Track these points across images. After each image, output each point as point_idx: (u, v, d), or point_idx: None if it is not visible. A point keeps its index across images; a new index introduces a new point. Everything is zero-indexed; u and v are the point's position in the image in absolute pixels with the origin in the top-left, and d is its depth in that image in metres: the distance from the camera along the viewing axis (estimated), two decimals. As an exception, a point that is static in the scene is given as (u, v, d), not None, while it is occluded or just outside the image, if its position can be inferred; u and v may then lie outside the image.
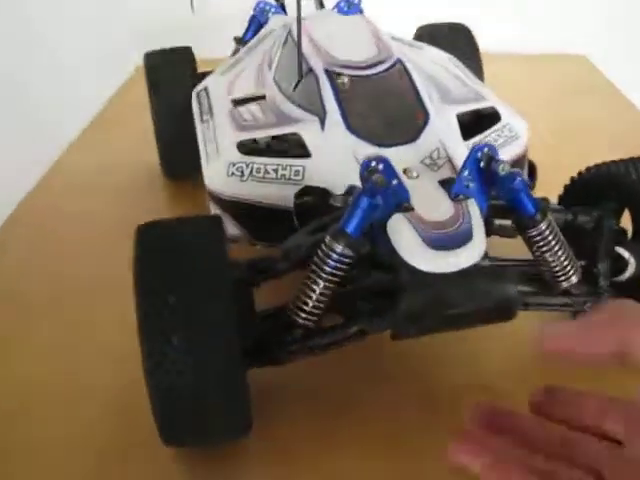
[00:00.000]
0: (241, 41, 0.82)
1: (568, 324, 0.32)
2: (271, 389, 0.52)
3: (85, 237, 0.74)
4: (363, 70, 0.58)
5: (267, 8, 0.81)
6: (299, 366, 0.48)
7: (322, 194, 0.53)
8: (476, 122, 0.60)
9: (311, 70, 0.59)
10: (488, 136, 0.58)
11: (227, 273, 0.43)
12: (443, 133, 0.55)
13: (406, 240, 0.45)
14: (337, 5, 0.72)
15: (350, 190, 0.51)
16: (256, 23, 0.81)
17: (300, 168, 0.54)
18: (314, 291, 0.45)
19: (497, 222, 0.51)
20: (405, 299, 0.45)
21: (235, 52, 0.81)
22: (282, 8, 0.82)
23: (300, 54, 0.59)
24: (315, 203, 0.53)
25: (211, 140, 0.61)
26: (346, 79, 0.57)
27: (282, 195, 0.54)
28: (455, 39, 0.81)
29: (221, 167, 0.57)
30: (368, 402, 0.53)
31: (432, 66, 0.66)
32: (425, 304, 0.45)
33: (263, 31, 0.76)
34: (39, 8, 1.24)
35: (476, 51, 0.81)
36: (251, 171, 0.55)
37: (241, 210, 0.56)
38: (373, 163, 0.45)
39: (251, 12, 0.82)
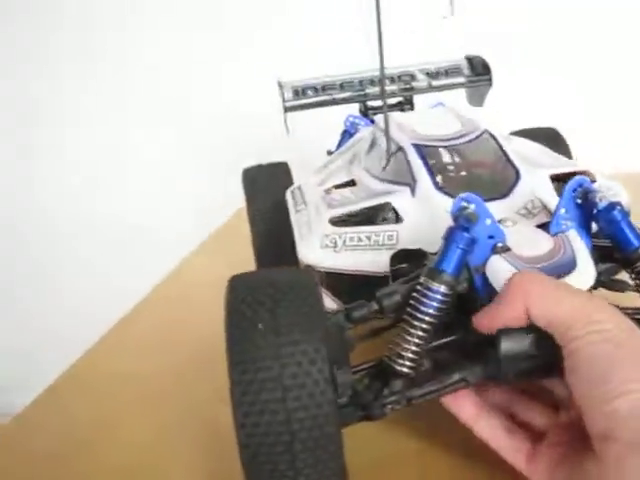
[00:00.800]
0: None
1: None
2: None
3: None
4: (450, 141, 0.59)
5: (357, 121, 0.85)
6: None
7: (418, 254, 0.52)
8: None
9: (400, 149, 0.61)
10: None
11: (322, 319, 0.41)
12: (536, 188, 0.54)
13: (506, 276, 0.43)
14: None
15: None
16: (347, 137, 0.85)
17: (394, 233, 0.54)
18: (414, 336, 0.44)
19: (602, 266, 0.48)
20: (505, 342, 0.42)
21: None
22: (371, 122, 0.86)
23: (387, 134, 0.61)
24: (411, 264, 0.52)
25: (304, 223, 0.62)
26: (435, 150, 0.58)
27: (377, 261, 0.53)
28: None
29: (314, 241, 0.57)
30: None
31: (522, 145, 0.66)
32: (526, 346, 0.42)
33: (354, 137, 0.80)
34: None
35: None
36: (344, 241, 0.56)
37: (336, 281, 0.56)
38: (464, 203, 0.45)
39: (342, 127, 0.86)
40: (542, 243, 0.46)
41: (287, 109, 0.86)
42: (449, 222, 0.46)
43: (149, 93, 1.50)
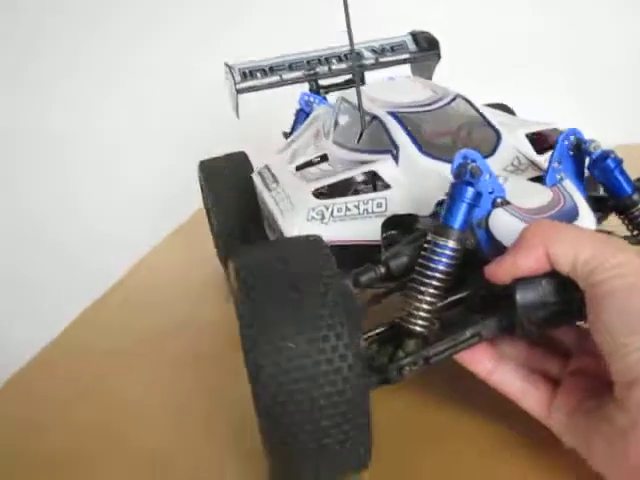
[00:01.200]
0: (289, 135, 0.85)
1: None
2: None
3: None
4: (425, 107, 0.59)
5: (312, 99, 0.84)
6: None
7: (408, 219, 0.52)
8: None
9: (374, 118, 0.60)
10: None
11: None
12: (518, 146, 0.55)
13: (510, 229, 0.43)
14: None
15: (438, 207, 0.50)
16: (302, 116, 0.84)
17: (382, 200, 0.54)
18: (425, 294, 0.43)
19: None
20: (522, 291, 0.43)
21: None
22: (324, 99, 0.85)
23: (360, 104, 0.60)
24: (402, 229, 0.52)
25: (283, 199, 0.61)
26: (411, 115, 0.58)
27: (368, 229, 0.53)
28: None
29: (299, 215, 0.56)
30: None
31: (492, 111, 0.67)
32: (541, 295, 0.43)
33: (311, 116, 0.79)
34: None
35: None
36: (332, 212, 0.55)
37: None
38: (464, 159, 0.45)
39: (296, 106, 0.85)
40: (541, 195, 0.46)
41: (239, 91, 0.85)
42: (438, 183, 0.47)
43: (108, 89, 1.44)
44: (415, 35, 0.93)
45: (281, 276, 0.40)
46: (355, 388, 0.38)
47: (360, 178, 0.59)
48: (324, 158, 0.66)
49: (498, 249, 0.44)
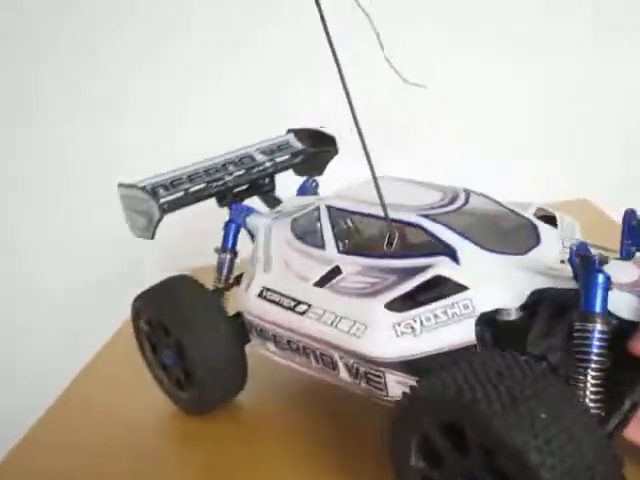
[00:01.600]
0: (224, 250, 0.82)
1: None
2: None
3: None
4: (451, 205, 0.63)
5: (243, 209, 0.83)
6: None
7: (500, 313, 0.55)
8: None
9: (402, 222, 0.62)
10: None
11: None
12: (551, 230, 0.61)
13: (630, 304, 0.49)
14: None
15: (531, 300, 0.53)
16: (234, 228, 0.82)
17: (467, 301, 0.55)
18: (593, 378, 0.47)
19: None
20: None
21: (221, 262, 0.81)
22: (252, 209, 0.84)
23: (385, 211, 0.61)
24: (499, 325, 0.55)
25: (339, 319, 0.59)
26: (443, 217, 0.61)
27: (462, 332, 0.54)
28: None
29: (383, 333, 0.55)
30: None
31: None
32: None
33: (261, 227, 0.77)
34: None
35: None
36: (421, 323, 0.55)
37: (419, 366, 0.55)
38: (575, 248, 0.50)
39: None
40: (628, 269, 0.53)
41: (165, 209, 0.79)
42: (510, 276, 0.51)
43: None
44: (296, 132, 0.95)
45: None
46: None
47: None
48: (336, 271, 0.65)
49: (622, 325, 0.49)
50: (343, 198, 0.70)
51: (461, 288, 0.56)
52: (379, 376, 0.57)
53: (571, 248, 0.50)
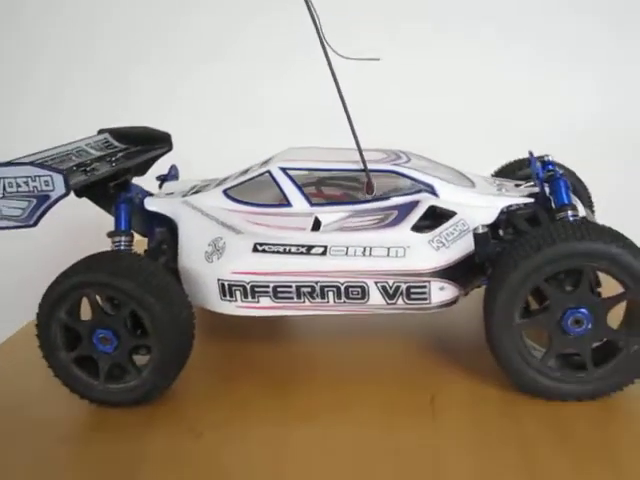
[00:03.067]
0: (119, 232, 0.78)
1: None
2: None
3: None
4: (400, 160, 0.77)
5: (138, 191, 0.82)
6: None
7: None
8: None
9: (379, 171, 0.74)
10: None
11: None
12: (475, 175, 0.82)
13: None
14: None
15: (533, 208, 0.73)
16: (127, 209, 0.78)
17: (463, 221, 0.70)
18: None
19: None
20: None
21: (117, 246, 0.77)
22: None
23: (364, 161, 0.72)
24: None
25: (376, 246, 0.67)
26: (407, 164, 0.76)
27: (470, 243, 0.69)
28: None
29: (424, 249, 0.67)
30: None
31: None
32: None
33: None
34: None
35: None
36: (446, 237, 0.68)
37: (452, 271, 0.68)
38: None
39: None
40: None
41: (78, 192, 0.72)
42: (476, 202, 0.72)
43: None
44: (112, 132, 0.93)
45: None
46: None
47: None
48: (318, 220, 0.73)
49: None
50: (292, 161, 0.76)
51: (452, 213, 0.71)
52: (424, 286, 0.67)
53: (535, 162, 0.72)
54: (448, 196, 0.73)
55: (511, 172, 0.91)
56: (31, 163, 0.69)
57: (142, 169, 0.90)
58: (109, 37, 1.33)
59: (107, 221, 0.81)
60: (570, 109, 1.25)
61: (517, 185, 0.80)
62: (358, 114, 0.73)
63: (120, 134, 0.92)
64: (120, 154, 0.86)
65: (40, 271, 0.77)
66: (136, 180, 0.86)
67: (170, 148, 0.93)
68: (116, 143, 0.91)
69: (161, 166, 0.92)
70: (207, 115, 1.31)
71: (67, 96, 1.36)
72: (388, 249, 0.67)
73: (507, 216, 0.73)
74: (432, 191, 0.73)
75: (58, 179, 0.68)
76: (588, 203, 0.89)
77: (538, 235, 0.61)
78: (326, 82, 0.71)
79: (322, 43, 0.69)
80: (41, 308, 0.69)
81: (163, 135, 0.92)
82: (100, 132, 0.92)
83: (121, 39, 1.33)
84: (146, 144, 0.92)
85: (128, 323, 0.68)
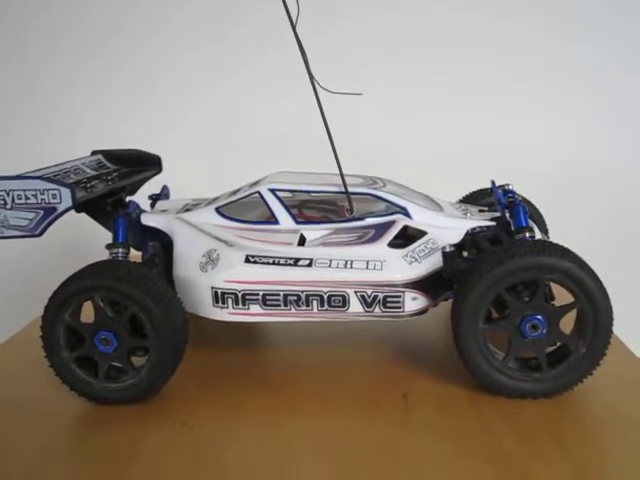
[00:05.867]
0: (116, 245, 0.83)
1: None
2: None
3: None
4: (376, 185, 0.86)
5: (137, 206, 0.88)
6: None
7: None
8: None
9: (357, 193, 0.82)
10: None
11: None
12: (444, 201, 0.90)
13: None
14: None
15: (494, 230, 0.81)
16: (124, 223, 0.84)
17: (432, 240, 0.79)
18: None
19: None
20: None
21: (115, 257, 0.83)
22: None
23: (345, 184, 0.81)
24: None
25: (356, 259, 0.75)
26: (383, 189, 0.84)
27: (439, 259, 0.77)
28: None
29: (399, 263, 0.75)
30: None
31: None
32: None
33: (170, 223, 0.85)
34: None
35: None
36: (418, 253, 0.77)
37: (424, 284, 0.76)
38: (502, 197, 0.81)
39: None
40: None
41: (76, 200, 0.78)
42: (446, 223, 0.82)
43: None
44: (105, 153, 1.00)
45: None
46: None
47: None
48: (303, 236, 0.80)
49: None
50: (280, 183, 0.84)
51: (423, 233, 0.80)
52: (399, 296, 0.74)
53: (497, 190, 0.81)
54: (420, 218, 0.82)
55: (475, 199, 1.00)
56: (40, 177, 0.76)
57: (133, 189, 0.97)
58: (100, 63, 1.40)
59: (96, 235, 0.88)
60: (527, 144, 1.36)
61: (481, 210, 0.89)
62: (340, 143, 0.81)
63: (112, 155, 0.99)
64: (115, 174, 0.93)
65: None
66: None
67: (160, 170, 1.00)
68: (109, 164, 0.98)
69: (150, 186, 0.99)
70: (198, 140, 1.39)
71: (60, 119, 1.42)
72: (367, 262, 0.75)
73: (471, 237, 0.81)
74: (406, 213, 0.81)
75: (66, 193, 0.74)
76: (544, 229, 0.99)
77: (500, 251, 0.70)
78: (312, 113, 0.79)
79: (311, 78, 0.78)
80: (47, 310, 0.74)
81: (154, 158, 0.99)
82: (94, 153, 0.99)
83: (113, 66, 1.40)
84: (137, 166, 0.99)
85: (127, 326, 0.74)
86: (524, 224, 0.79)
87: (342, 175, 0.81)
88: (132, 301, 0.71)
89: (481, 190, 1.01)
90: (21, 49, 1.40)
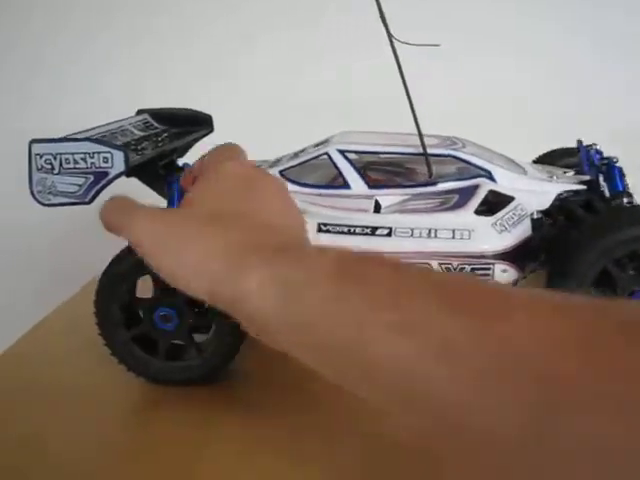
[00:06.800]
0: None
1: None
2: None
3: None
4: (455, 145, 0.78)
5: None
6: None
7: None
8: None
9: (438, 155, 0.74)
10: None
11: None
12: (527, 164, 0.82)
13: None
14: None
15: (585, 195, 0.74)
16: (179, 189, 0.77)
17: (521, 205, 0.71)
18: None
19: None
20: None
21: None
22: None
23: (424, 145, 0.73)
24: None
25: (441, 228, 0.68)
26: (463, 149, 0.76)
27: (528, 226, 0.70)
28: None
29: (489, 232, 0.68)
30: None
31: None
32: None
33: None
34: None
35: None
36: (507, 221, 0.69)
37: (515, 254, 0.69)
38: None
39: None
40: None
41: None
42: (531, 187, 0.73)
43: None
44: (152, 113, 0.93)
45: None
46: None
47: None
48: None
49: None
50: (350, 144, 0.76)
51: (510, 198, 0.72)
52: (489, 269, 0.67)
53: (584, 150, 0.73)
54: (505, 182, 0.74)
55: (551, 160, 0.92)
56: (89, 139, 0.68)
57: (183, 151, 0.90)
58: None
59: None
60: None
61: (565, 172, 0.81)
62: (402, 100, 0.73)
63: (160, 115, 0.91)
64: (164, 134, 0.86)
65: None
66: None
67: (211, 130, 0.92)
68: (156, 124, 0.91)
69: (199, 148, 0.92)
70: (252, 97, 1.30)
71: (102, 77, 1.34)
72: (453, 231, 0.68)
73: (560, 202, 0.73)
74: (490, 176, 0.74)
75: (118, 156, 0.67)
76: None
77: (608, 218, 0.63)
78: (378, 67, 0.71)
79: (387, 30, 0.69)
80: (101, 285, 0.68)
81: (205, 117, 0.92)
82: (139, 112, 0.92)
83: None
84: (187, 126, 0.91)
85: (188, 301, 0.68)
86: (621, 188, 0.71)
87: (420, 135, 0.73)
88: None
89: (559, 150, 0.93)
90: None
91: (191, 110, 0.92)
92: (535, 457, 0.23)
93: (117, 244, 0.68)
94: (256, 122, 1.26)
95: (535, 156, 0.95)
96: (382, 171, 0.79)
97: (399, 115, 0.74)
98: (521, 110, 1.25)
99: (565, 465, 0.23)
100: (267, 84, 1.29)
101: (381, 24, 0.68)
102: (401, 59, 0.71)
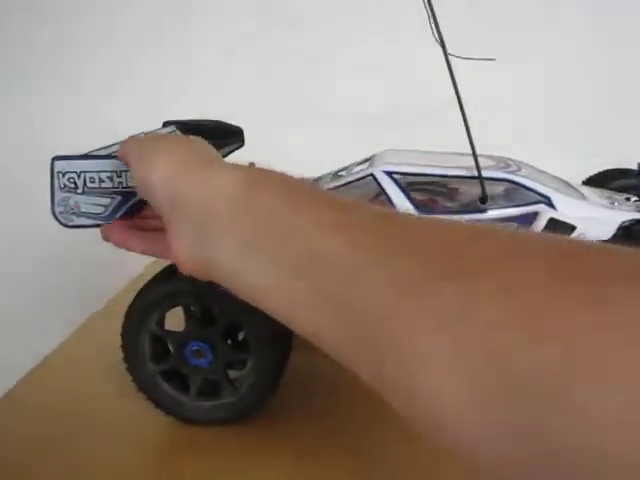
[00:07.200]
0: None
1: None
2: None
3: None
4: (510, 168, 0.72)
5: None
6: None
7: None
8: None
9: (493, 179, 0.69)
10: None
11: None
12: (583, 187, 0.77)
13: None
14: None
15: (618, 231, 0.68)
16: None
17: (583, 236, 0.66)
18: None
19: None
20: None
21: None
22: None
23: (479, 168, 0.67)
24: None
25: None
26: (519, 173, 0.70)
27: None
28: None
29: None
30: None
31: None
32: None
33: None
34: None
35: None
36: None
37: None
38: None
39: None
40: None
41: None
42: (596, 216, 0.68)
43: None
44: (180, 125, 0.87)
45: None
46: None
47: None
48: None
49: None
50: (396, 165, 0.71)
51: (572, 227, 0.66)
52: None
53: None
54: (565, 209, 0.68)
55: (604, 182, 0.86)
56: (117, 157, 0.63)
57: None
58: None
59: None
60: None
61: (627, 198, 0.75)
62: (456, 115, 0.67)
63: (189, 127, 0.86)
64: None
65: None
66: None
67: (242, 144, 0.87)
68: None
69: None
70: (283, 111, 1.24)
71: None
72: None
73: (624, 231, 0.68)
74: (549, 203, 0.68)
75: None
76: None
77: None
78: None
79: (442, 43, 0.64)
80: (130, 316, 0.63)
81: (235, 129, 0.86)
82: (165, 124, 0.86)
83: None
84: (216, 138, 0.85)
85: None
86: None
87: (475, 156, 0.67)
88: (230, 306, 0.60)
89: (610, 171, 0.87)
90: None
91: (220, 122, 0.86)
92: None
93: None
94: (287, 137, 1.20)
95: (585, 176, 0.89)
96: (424, 191, 0.73)
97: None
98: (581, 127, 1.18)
99: None
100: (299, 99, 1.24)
101: (436, 41, 0.63)
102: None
